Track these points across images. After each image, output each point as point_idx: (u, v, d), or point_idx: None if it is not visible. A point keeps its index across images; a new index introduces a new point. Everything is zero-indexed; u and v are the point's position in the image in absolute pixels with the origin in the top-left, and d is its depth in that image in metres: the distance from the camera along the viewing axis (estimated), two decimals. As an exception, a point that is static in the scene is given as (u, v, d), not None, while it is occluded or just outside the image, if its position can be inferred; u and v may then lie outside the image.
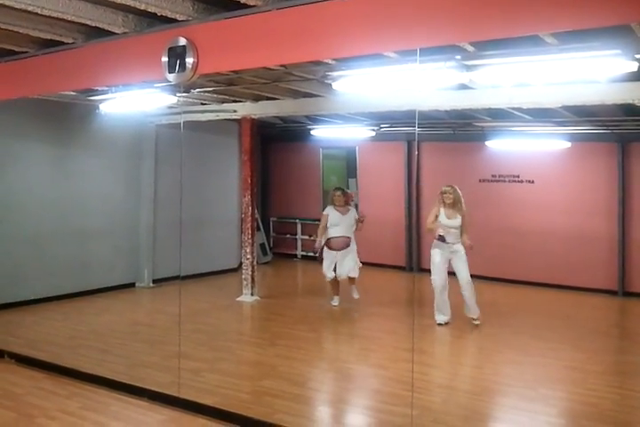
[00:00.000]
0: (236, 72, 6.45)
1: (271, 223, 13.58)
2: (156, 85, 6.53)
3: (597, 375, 5.89)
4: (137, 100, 7.11)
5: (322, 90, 7.41)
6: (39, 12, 4.09)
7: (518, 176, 10.70)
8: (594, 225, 10.06)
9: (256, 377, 5.82)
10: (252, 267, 9.01)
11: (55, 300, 8.60)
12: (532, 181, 10.58)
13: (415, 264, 11.62)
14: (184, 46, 4.26)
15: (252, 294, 9.00)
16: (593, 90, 6.25)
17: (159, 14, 4.13)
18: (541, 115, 8.38)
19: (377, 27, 3.48)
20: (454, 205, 7.57)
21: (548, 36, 4.19)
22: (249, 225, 9.08)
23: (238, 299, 8.97)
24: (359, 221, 8.61)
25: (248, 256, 9.00)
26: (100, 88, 6.98)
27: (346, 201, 8.68)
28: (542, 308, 9.03)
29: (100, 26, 4.45)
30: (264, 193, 13.49)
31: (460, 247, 7.57)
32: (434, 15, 3.32)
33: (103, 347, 6.63)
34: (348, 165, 13.15)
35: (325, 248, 8.58)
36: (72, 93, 7.59)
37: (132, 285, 9.97)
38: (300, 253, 13.22)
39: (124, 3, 3.98)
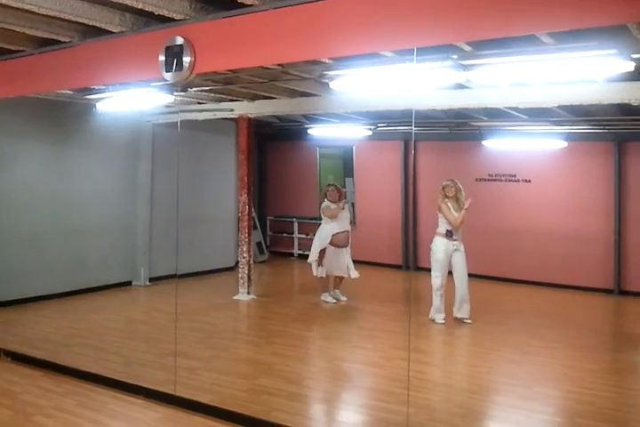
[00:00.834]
0: (233, 71, 6.46)
1: (268, 222, 13.60)
2: (153, 84, 6.52)
3: (593, 374, 5.92)
4: (134, 99, 7.11)
5: (319, 89, 7.43)
6: (36, 10, 4.09)
7: (515, 175, 10.72)
8: (590, 224, 10.09)
9: (252, 375, 5.83)
10: (249, 265, 9.02)
11: (52, 298, 8.60)
12: (529, 181, 10.61)
13: (412, 263, 11.65)
14: (181, 45, 4.26)
15: (248, 293, 9.01)
16: (590, 89, 6.27)
17: (156, 13, 4.13)
18: (538, 114, 8.40)
19: (374, 26, 3.49)
20: (456, 198, 7.61)
21: (545, 36, 4.21)
22: (245, 224, 9.08)
23: (235, 297, 8.98)
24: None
25: (245, 255, 9.01)
26: (96, 87, 6.98)
27: (339, 197, 8.76)
28: (538, 306, 9.05)
29: (97, 25, 4.45)
30: (261, 192, 13.51)
31: (461, 245, 7.60)
32: (431, 15, 3.33)
33: (100, 345, 6.64)
34: (345, 164, 13.16)
35: (328, 246, 8.59)
36: (69, 92, 7.58)
37: (129, 283, 9.98)
38: (296, 251, 13.23)
39: (121, 2, 3.98)
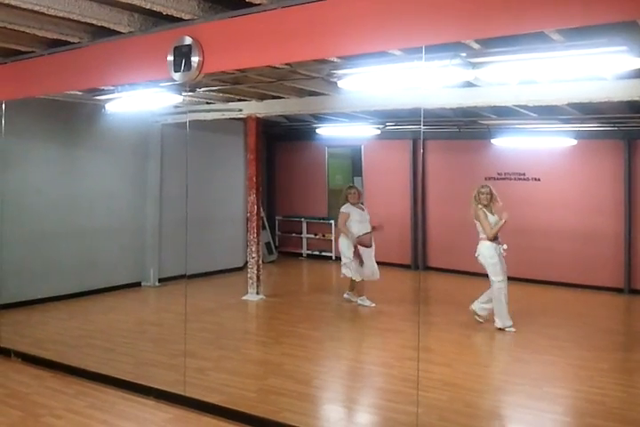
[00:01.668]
0: (241, 71, 6.45)
1: (277, 222, 13.59)
2: (161, 85, 6.52)
3: (604, 373, 5.88)
4: (143, 100, 7.11)
5: (327, 88, 7.42)
6: (45, 11, 4.11)
7: (524, 174, 10.68)
8: (600, 223, 10.03)
9: (262, 376, 5.82)
10: (258, 266, 9.01)
11: (61, 299, 8.62)
12: (538, 179, 10.56)
13: (421, 262, 11.62)
14: (189, 45, 4.26)
15: (257, 293, 9.01)
16: (599, 87, 6.23)
17: (165, 13, 4.14)
18: (547, 112, 8.37)
19: (382, 24, 3.48)
20: (491, 203, 7.46)
21: (554, 33, 4.18)
22: (254, 224, 9.08)
23: (244, 298, 8.97)
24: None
25: (254, 255, 9.00)
26: (105, 88, 6.98)
27: (359, 198, 8.75)
28: (548, 306, 9.01)
29: (106, 25, 4.46)
30: (269, 192, 13.50)
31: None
32: (439, 13, 3.32)
33: (109, 346, 6.65)
34: (354, 163, 13.16)
35: (360, 248, 8.51)
36: (78, 93, 7.60)
37: (138, 284, 9.99)
38: (305, 251, 13.22)
39: (129, 2, 3.99)
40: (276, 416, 4.65)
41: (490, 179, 10.77)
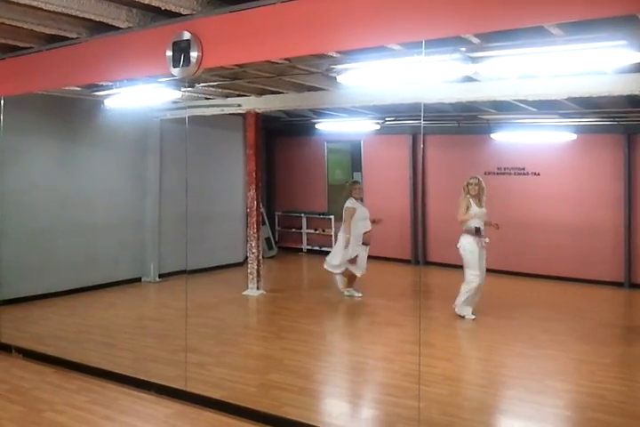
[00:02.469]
0: (240, 66, 6.44)
1: (276, 217, 13.59)
2: (160, 80, 6.52)
3: (604, 367, 5.89)
4: (141, 95, 7.11)
5: (326, 83, 7.40)
6: (43, 6, 4.10)
7: (524, 169, 10.67)
8: (600, 217, 10.04)
9: (262, 370, 5.84)
10: (258, 261, 9.02)
11: (62, 295, 8.63)
12: (538, 174, 10.56)
13: (421, 257, 11.63)
14: (188, 40, 4.25)
15: (257, 288, 9.02)
16: (599, 81, 6.22)
17: (163, 8, 4.12)
18: (547, 107, 8.36)
19: (382, 19, 3.47)
20: (480, 195, 7.58)
21: (554, 27, 4.18)
22: (254, 219, 9.08)
23: (244, 293, 8.98)
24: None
25: (253, 250, 9.01)
26: (104, 83, 6.98)
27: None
28: (548, 300, 9.02)
29: (104, 20, 4.45)
30: (269, 187, 13.50)
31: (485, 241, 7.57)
32: (439, 7, 3.31)
33: (110, 341, 6.66)
34: (353, 158, 13.14)
35: (360, 245, 8.53)
36: (77, 89, 7.60)
37: (139, 279, 10.00)
38: (305, 247, 13.23)
39: (127, -3, 3.98)
40: (277, 411, 4.66)
41: (490, 173, 10.78)
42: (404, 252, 11.88)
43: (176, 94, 7.17)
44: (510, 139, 10.15)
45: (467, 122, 10.50)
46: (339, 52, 5.26)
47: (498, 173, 10.82)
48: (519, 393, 5.34)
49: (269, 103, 8.73)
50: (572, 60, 4.64)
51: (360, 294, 8.76)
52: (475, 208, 7.51)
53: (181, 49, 4.28)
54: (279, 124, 12.42)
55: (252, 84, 7.82)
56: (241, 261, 11.07)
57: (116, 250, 9.66)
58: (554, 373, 5.84)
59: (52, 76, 5.55)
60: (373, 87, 7.24)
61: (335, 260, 8.60)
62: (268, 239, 12.48)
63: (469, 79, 6.70)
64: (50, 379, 5.48)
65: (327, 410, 5.16)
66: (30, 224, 8.42)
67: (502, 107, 8.64)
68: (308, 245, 13.22)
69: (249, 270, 9.07)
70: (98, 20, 4.42)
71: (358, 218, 8.50)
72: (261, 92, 8.52)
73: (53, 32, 4.83)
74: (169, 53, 4.36)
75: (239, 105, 8.91)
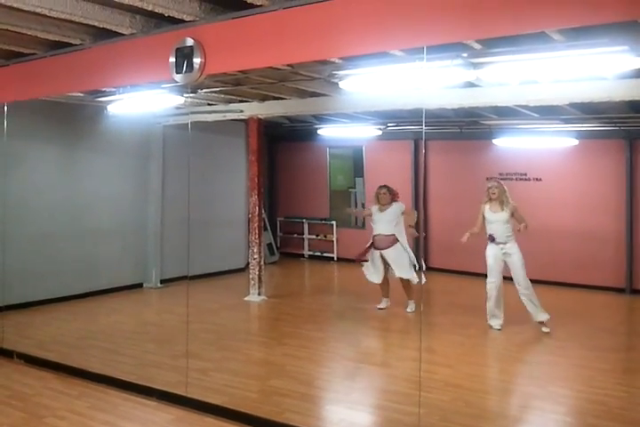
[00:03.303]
0: (243, 72, 6.46)
1: (278, 223, 13.59)
2: (163, 86, 6.54)
3: (605, 373, 5.88)
4: (144, 101, 7.13)
5: (328, 89, 7.42)
6: (47, 13, 4.12)
7: (526, 174, 10.68)
8: (601, 223, 10.03)
9: (264, 376, 5.83)
10: (260, 267, 9.02)
11: (64, 300, 8.63)
12: (540, 179, 10.56)
13: (423, 263, 11.60)
14: (191, 47, 4.27)
15: (259, 294, 9.01)
16: (600, 87, 6.23)
17: (166, 15, 4.15)
18: (548, 112, 8.36)
19: (383, 25, 3.48)
20: (499, 199, 7.44)
21: (555, 33, 4.19)
22: (256, 225, 9.09)
23: (246, 299, 8.98)
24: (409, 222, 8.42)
25: (255, 256, 9.01)
26: (107, 89, 7.00)
27: (392, 198, 8.39)
28: (550, 306, 8.95)
29: (108, 27, 4.47)
30: (271, 193, 13.51)
31: (513, 248, 7.34)
32: (440, 13, 3.32)
33: (112, 347, 6.65)
34: (355, 164, 13.16)
35: (374, 250, 8.41)
36: (80, 95, 7.62)
37: (140, 285, 10.00)
38: (307, 252, 13.23)
39: (131, 4, 3.99)
40: (279, 417, 4.66)
41: (491, 179, 10.75)
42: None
43: (179, 100, 7.19)
44: (512, 144, 10.16)
45: (468, 127, 10.51)
46: (341, 58, 5.27)
47: (500, 179, 10.77)
48: (520, 399, 5.33)
49: (272, 109, 8.74)
50: (574, 66, 4.67)
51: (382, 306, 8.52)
52: (489, 214, 7.42)
53: (184, 55, 4.31)
54: (281, 130, 12.43)
55: (254, 90, 7.83)
56: (243, 266, 11.07)
57: (119, 256, 9.67)
58: (555, 379, 5.83)
59: (55, 83, 5.58)
60: (375, 93, 7.25)
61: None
62: (269, 245, 12.48)
63: (471, 85, 6.71)
64: (51, 385, 5.47)
65: (328, 416, 5.15)
66: (33, 229, 8.43)
67: (504, 112, 8.65)
68: (309, 250, 13.22)
69: (250, 276, 9.07)
70: (101, 26, 4.45)
71: (373, 221, 8.49)
72: (264, 98, 8.54)
73: (57, 38, 4.86)
74: (172, 60, 4.38)
75: (241, 111, 8.93)
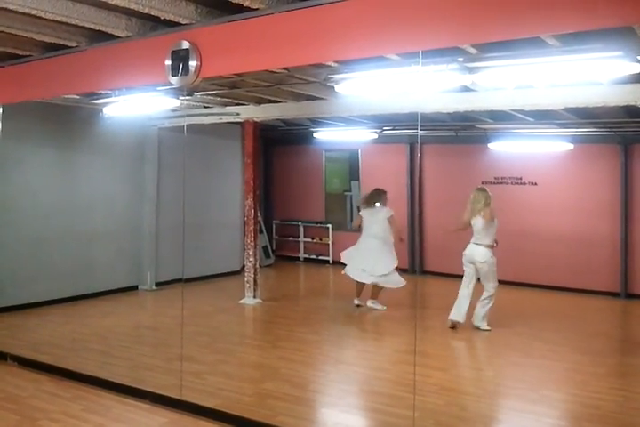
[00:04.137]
0: (238, 75, 6.47)
1: (274, 226, 13.59)
2: (159, 89, 6.54)
3: (600, 377, 5.89)
4: (140, 104, 7.13)
5: (324, 93, 7.43)
6: (43, 15, 4.11)
7: (521, 178, 10.70)
8: (596, 227, 10.06)
9: (258, 380, 5.82)
10: (255, 270, 9.01)
11: (58, 303, 8.60)
12: (535, 184, 10.58)
13: (418, 267, 11.62)
14: (187, 49, 4.27)
15: (254, 297, 9.00)
16: (595, 92, 6.25)
17: (162, 18, 4.14)
18: (544, 117, 8.39)
19: (379, 29, 3.49)
20: (477, 206, 7.53)
21: (551, 38, 4.20)
22: (251, 228, 9.08)
23: (241, 302, 8.97)
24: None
25: (250, 259, 9.00)
26: (103, 92, 6.99)
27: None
28: (544, 310, 9.02)
29: (104, 29, 4.47)
30: (267, 196, 13.51)
31: (479, 254, 7.54)
32: (436, 17, 3.33)
33: (106, 350, 6.64)
34: (351, 167, 13.17)
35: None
36: (75, 97, 7.61)
37: (135, 288, 9.98)
38: (302, 255, 13.22)
39: (127, 6, 3.99)
40: (273, 420, 4.65)
41: (487, 183, 10.76)
42: (401, 261, 11.79)
43: (174, 103, 7.19)
44: (507, 148, 10.18)
45: (464, 131, 10.53)
46: (337, 62, 5.28)
47: (495, 183, 10.82)
48: (514, 403, 5.33)
49: (267, 112, 8.75)
50: (569, 71, 4.69)
51: (379, 307, 8.62)
52: (475, 219, 7.50)
53: (180, 58, 4.31)
54: (277, 133, 12.43)
55: (250, 93, 7.83)
56: (238, 269, 11.05)
57: (113, 258, 9.65)
58: (549, 382, 5.83)
59: (51, 85, 5.57)
60: (371, 97, 7.27)
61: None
62: (265, 248, 12.48)
63: (466, 89, 6.73)
64: (45, 387, 5.46)
65: (322, 420, 5.15)
66: (27, 232, 8.40)
67: (499, 117, 8.67)
68: (305, 253, 13.21)
69: (246, 279, 9.06)
70: (97, 28, 4.44)
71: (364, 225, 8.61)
72: (260, 101, 8.54)
73: (53, 40, 4.85)
74: (168, 62, 4.38)
75: (237, 114, 8.93)
